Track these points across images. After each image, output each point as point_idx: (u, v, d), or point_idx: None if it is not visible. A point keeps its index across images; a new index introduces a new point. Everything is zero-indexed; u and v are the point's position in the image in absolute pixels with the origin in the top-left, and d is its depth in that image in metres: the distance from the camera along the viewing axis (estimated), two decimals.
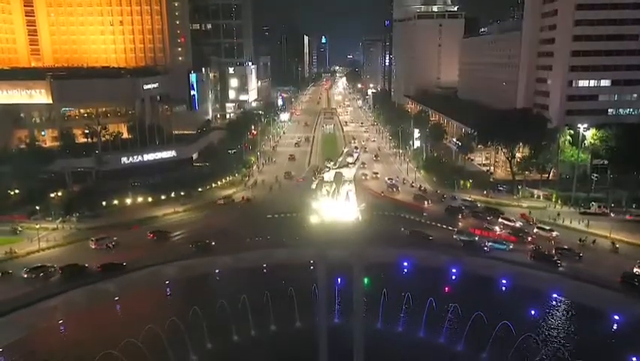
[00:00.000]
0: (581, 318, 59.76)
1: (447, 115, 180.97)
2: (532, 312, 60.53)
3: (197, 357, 50.86)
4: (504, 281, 68.48)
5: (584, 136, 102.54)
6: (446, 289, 66.72)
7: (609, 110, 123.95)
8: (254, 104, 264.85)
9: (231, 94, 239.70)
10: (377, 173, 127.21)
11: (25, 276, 69.53)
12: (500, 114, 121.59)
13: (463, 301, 57.71)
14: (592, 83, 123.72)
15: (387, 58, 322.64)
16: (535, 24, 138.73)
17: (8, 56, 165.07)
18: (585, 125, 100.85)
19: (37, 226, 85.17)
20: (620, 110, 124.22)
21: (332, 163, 32.03)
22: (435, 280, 67.35)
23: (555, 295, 65.02)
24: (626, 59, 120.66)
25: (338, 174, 31.95)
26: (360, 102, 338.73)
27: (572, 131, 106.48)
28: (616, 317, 59.33)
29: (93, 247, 79.86)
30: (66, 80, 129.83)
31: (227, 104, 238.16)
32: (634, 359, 50.58)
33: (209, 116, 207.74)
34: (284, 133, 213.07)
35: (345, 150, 32.50)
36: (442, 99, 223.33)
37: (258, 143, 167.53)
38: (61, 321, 59.37)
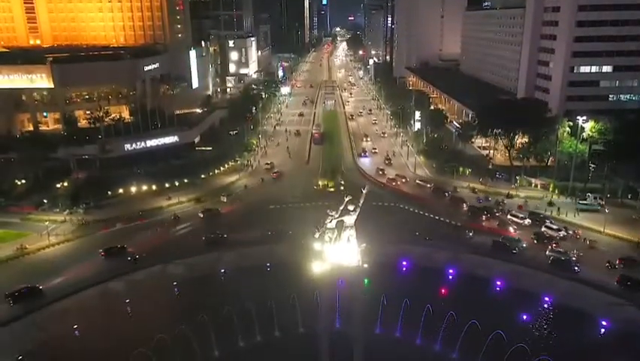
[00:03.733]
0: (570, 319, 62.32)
1: (448, 93, 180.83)
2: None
3: None
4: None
5: (582, 128, 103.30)
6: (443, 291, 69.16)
7: (610, 96, 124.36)
8: (254, 76, 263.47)
9: (231, 67, 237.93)
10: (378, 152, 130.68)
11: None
12: (500, 103, 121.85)
13: None
14: (594, 69, 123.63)
15: (389, 24, 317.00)
16: (538, 4, 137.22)
17: (7, 35, 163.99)
18: (584, 118, 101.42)
19: (47, 221, 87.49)
20: (621, 97, 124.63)
21: (334, 212, 33.92)
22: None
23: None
24: (628, 45, 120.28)
25: (340, 222, 33.94)
26: (361, 72, 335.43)
27: (571, 123, 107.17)
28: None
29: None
30: (66, 64, 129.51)
31: (228, 78, 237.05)
32: None
33: (210, 92, 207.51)
34: (286, 107, 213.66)
35: (347, 199, 34.24)
36: (444, 73, 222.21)
37: (259, 122, 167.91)
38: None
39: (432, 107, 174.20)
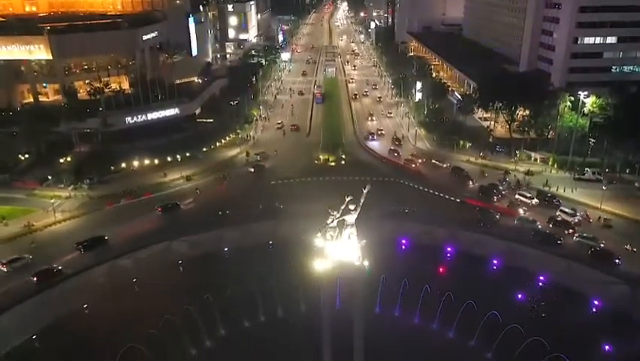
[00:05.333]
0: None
1: (449, 62, 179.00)
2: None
3: None
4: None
5: (583, 103, 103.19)
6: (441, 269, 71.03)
7: (612, 68, 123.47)
8: (254, 41, 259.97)
9: (231, 33, 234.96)
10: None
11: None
12: (502, 76, 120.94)
13: None
14: (598, 40, 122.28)
15: None
16: None
17: (2, 1, 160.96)
18: (586, 93, 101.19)
19: (52, 197, 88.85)
20: (624, 68, 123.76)
21: (335, 212, 35.13)
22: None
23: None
24: (633, 15, 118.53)
25: (341, 221, 35.21)
26: (362, 37, 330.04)
27: (572, 98, 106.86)
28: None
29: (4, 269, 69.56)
30: (65, 35, 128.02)
31: (227, 44, 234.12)
32: None
33: (210, 59, 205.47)
34: (289, 71, 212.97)
35: (348, 199, 35.32)
36: (446, 39, 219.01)
37: (260, 91, 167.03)
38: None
39: (433, 75, 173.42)
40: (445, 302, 58.27)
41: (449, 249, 74.26)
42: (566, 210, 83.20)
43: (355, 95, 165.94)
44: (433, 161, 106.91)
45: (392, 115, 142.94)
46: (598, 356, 54.17)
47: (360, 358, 40.28)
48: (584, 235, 76.17)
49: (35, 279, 65.78)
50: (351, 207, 35.18)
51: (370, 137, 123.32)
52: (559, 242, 74.47)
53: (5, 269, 68.74)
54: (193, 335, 55.98)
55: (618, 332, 56.96)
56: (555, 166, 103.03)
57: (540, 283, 67.73)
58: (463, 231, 77.08)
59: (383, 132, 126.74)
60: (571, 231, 77.80)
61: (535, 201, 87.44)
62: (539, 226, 79.22)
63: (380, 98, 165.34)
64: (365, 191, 35.78)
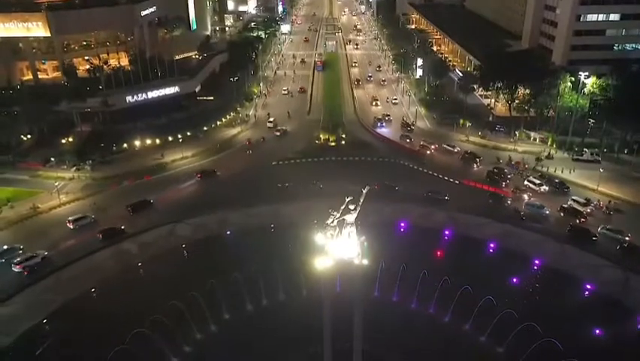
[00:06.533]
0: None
1: (451, 36, 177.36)
2: None
3: None
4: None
5: (584, 84, 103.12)
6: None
7: (615, 45, 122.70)
8: (254, 12, 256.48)
9: (230, 5, 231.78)
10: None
11: None
12: (503, 56, 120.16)
13: None
14: (601, 17, 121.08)
15: None
16: None
17: None
18: (586, 73, 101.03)
19: (56, 178, 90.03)
20: (627, 46, 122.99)
21: (336, 212, 36.36)
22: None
23: None
24: None
25: (341, 220, 36.50)
26: (363, 7, 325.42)
27: (572, 78, 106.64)
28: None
29: (70, 227, 77.19)
30: (62, 11, 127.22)
31: (226, 16, 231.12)
32: None
33: (209, 32, 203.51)
34: (291, 41, 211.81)
35: (348, 200, 36.47)
36: (448, 11, 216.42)
37: (260, 66, 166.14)
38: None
39: (434, 49, 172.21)
40: (443, 286, 59.80)
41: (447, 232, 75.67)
42: (579, 199, 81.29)
43: (358, 80, 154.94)
44: (444, 145, 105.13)
45: (397, 101, 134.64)
46: (591, 340, 55.78)
47: (359, 344, 42.10)
48: (608, 227, 73.87)
49: (100, 236, 73.53)
50: (351, 207, 36.43)
51: (379, 124, 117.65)
52: (594, 238, 72.06)
53: (72, 226, 76.43)
54: (198, 319, 57.60)
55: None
56: (554, 146, 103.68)
57: (535, 267, 69.26)
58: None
59: (391, 118, 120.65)
60: (582, 220, 76.54)
61: (544, 187, 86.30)
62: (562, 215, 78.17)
63: (384, 80, 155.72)
64: (364, 191, 36.85)
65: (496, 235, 73.92)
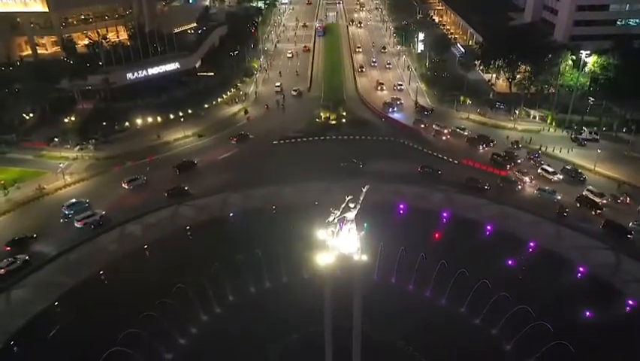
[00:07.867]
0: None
1: (453, 9, 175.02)
2: None
3: None
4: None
5: (585, 63, 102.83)
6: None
7: (618, 21, 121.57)
8: None
9: None
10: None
11: None
12: (504, 33, 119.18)
13: None
14: None
15: None
16: None
17: None
18: (587, 52, 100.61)
19: (60, 159, 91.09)
20: (630, 21, 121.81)
21: (337, 211, 37.63)
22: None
23: None
24: None
25: (341, 218, 37.79)
26: None
27: (573, 57, 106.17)
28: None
29: (126, 187, 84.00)
30: None
31: None
32: None
33: (207, 2, 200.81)
34: (293, 9, 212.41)
35: (348, 198, 37.70)
36: None
37: (260, 39, 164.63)
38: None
39: (436, 20, 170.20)
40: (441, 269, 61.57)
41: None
42: (595, 190, 78.88)
43: (362, 67, 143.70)
44: (455, 128, 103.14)
45: (403, 87, 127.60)
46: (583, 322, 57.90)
47: (358, 334, 43.91)
48: (637, 222, 71.61)
49: (167, 194, 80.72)
50: (351, 205, 37.69)
51: (390, 109, 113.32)
52: (629, 236, 69.70)
53: (127, 186, 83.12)
54: (204, 302, 59.58)
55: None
56: (553, 124, 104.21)
57: (530, 250, 71.00)
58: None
59: (402, 102, 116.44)
60: (598, 212, 75.32)
61: (558, 176, 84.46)
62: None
63: (389, 64, 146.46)
64: (364, 190, 37.97)
65: (494, 216, 75.60)
